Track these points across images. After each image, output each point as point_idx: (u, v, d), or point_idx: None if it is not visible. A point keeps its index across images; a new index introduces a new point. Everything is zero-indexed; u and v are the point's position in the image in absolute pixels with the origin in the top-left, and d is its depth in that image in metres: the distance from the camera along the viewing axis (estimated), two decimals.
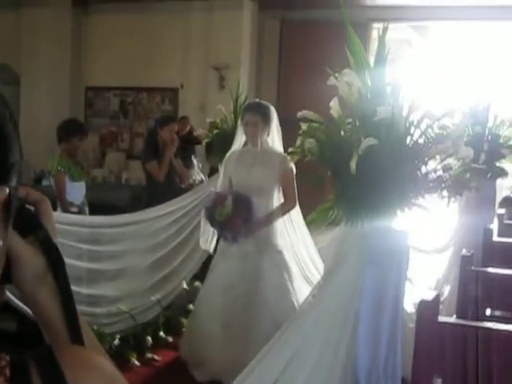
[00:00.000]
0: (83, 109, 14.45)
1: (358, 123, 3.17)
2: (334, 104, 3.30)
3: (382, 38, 3.23)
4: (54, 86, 13.82)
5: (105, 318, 5.67)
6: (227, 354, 5.20)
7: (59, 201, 6.80)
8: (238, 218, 5.10)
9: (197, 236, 6.31)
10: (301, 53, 13.15)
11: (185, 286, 6.73)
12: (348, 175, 3.06)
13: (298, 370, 3.15)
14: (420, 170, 3.14)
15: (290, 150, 3.37)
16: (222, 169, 5.76)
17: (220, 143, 7.75)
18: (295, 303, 5.26)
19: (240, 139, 5.70)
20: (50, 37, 13.65)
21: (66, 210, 6.61)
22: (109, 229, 5.79)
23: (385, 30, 3.25)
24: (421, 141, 3.21)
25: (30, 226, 1.10)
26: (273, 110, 5.55)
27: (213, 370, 5.33)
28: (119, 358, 5.02)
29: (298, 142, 3.31)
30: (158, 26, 13.43)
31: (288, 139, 12.33)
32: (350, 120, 3.24)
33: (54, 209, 6.57)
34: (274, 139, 5.55)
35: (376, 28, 11.85)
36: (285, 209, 5.48)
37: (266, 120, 5.43)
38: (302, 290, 5.39)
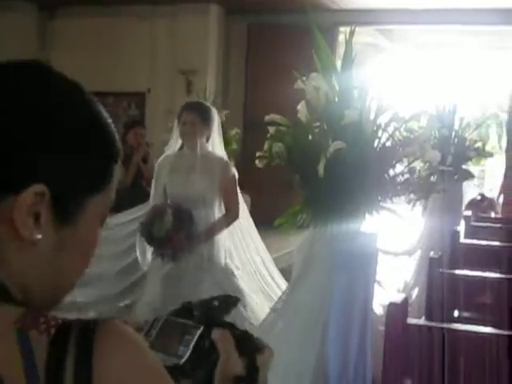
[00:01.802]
0: None
1: (325, 127, 3.18)
2: (301, 108, 3.30)
3: (349, 42, 3.24)
4: None
5: None
6: None
7: None
8: (180, 233, 4.55)
9: None
10: (268, 57, 13.17)
11: None
12: (316, 179, 3.06)
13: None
14: (388, 173, 3.16)
15: (257, 154, 3.36)
16: (154, 178, 5.06)
17: None
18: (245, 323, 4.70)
19: (175, 143, 5.00)
20: (14, 41, 13.51)
21: None
22: None
23: (351, 33, 3.26)
24: (388, 144, 3.23)
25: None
26: (214, 111, 5.02)
27: None
28: None
29: (266, 146, 3.30)
30: (125, 31, 13.37)
31: (255, 143, 12.37)
32: (317, 124, 3.25)
33: None
34: (215, 143, 4.96)
35: (343, 32, 11.91)
36: (228, 220, 4.93)
37: (206, 120, 4.83)
38: (252, 310, 5.08)
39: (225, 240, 4.99)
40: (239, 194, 5.13)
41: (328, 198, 3.12)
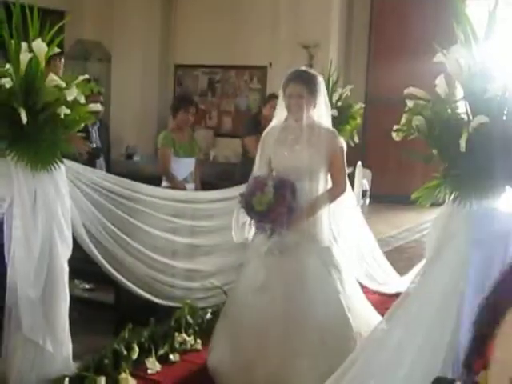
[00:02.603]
0: (172, 86, 14.62)
1: (467, 101, 3.11)
2: (440, 81, 3.24)
3: (492, 12, 3.15)
4: (144, 64, 14.03)
5: (199, 292, 5.73)
6: (263, 366, 4.39)
7: (164, 175, 6.97)
8: (281, 206, 4.31)
9: None
10: (392, 30, 12.97)
11: None
12: (456, 153, 3.01)
13: (401, 356, 3.13)
14: None
15: (395, 127, 3.31)
16: (259, 149, 4.83)
17: None
18: (345, 309, 4.54)
19: (280, 114, 4.74)
20: (141, 15, 13.84)
21: (173, 185, 6.76)
22: (203, 204, 5.82)
23: (496, 3, 3.17)
24: None
25: None
26: (321, 79, 4.67)
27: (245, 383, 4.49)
28: (211, 332, 5.05)
29: (404, 120, 3.26)
30: (247, 4, 13.45)
31: (377, 118, 12.25)
32: (457, 98, 3.18)
33: (158, 184, 6.71)
34: (321, 114, 4.67)
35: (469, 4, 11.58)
36: (333, 194, 4.68)
37: (313, 91, 4.55)
38: (354, 295, 4.78)
39: (330, 217, 4.75)
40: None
41: (468, 173, 3.06)
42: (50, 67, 4.13)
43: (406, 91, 3.25)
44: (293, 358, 4.36)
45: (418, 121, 3.14)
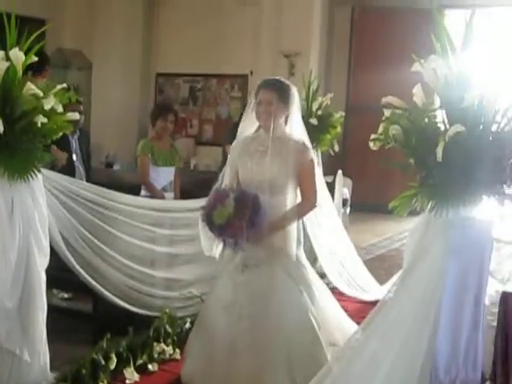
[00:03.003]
0: (153, 95, 14.61)
1: (444, 110, 3.12)
2: (417, 90, 3.25)
3: (469, 23, 3.17)
4: (125, 72, 14.02)
5: (177, 301, 5.70)
6: (236, 380, 4.31)
7: (142, 184, 6.94)
8: (241, 220, 4.10)
9: None
10: (372, 40, 13.06)
11: None
12: (433, 162, 3.02)
13: (377, 365, 3.13)
14: (508, 158, 3.08)
15: (372, 136, 3.32)
16: (228, 160, 4.67)
17: None
18: (314, 326, 4.39)
19: (251, 124, 4.53)
20: (122, 23, 13.84)
21: (152, 194, 6.74)
22: (181, 213, 5.80)
23: (472, 14, 3.19)
24: (507, 129, 3.14)
25: None
26: (294, 90, 4.48)
27: None
28: None
29: (381, 129, 3.27)
30: (229, 13, 13.48)
31: (357, 127, 12.29)
32: (434, 107, 3.19)
33: (137, 192, 6.68)
34: (294, 124, 4.48)
35: (447, 15, 11.69)
36: (302, 209, 4.54)
37: (285, 100, 4.36)
38: (327, 307, 4.69)
39: (298, 230, 4.57)
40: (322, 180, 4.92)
41: (445, 182, 3.07)
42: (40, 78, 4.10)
43: (383, 100, 3.26)
44: (263, 373, 4.27)
45: (394, 130, 3.15)
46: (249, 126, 4.55)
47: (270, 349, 4.28)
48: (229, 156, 4.65)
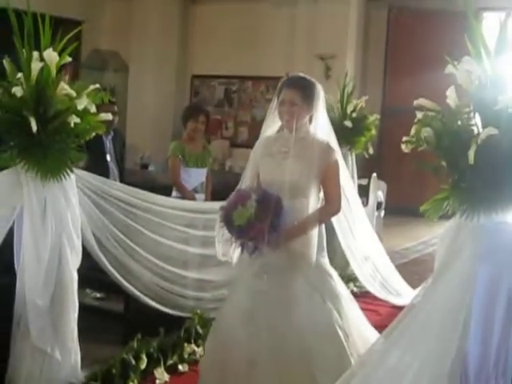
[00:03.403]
0: (189, 96, 14.67)
1: (477, 112, 3.08)
2: (450, 93, 3.21)
3: (504, 26, 3.12)
4: (161, 74, 14.09)
5: (209, 302, 5.70)
6: None
7: (173, 185, 6.98)
8: (262, 222, 3.88)
9: None
10: (408, 42, 12.97)
11: None
12: (465, 165, 2.97)
13: (402, 371, 3.09)
14: None
15: (404, 138, 3.28)
16: (249, 160, 4.46)
17: None
18: (341, 337, 4.09)
19: (273, 124, 4.35)
20: (158, 25, 13.91)
21: (183, 194, 6.76)
22: (214, 214, 5.79)
23: (507, 16, 3.14)
24: None
25: None
26: (319, 88, 4.24)
27: None
28: None
29: (413, 131, 3.23)
30: (264, 15, 13.49)
31: (392, 130, 12.22)
32: (467, 109, 3.15)
33: (169, 193, 6.71)
34: (318, 124, 4.25)
35: (486, 17, 11.60)
36: (326, 213, 4.28)
37: (309, 99, 4.14)
38: (352, 317, 4.34)
39: (321, 236, 4.28)
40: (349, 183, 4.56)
41: (477, 185, 3.03)
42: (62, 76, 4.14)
43: (415, 102, 3.22)
44: None
45: (426, 132, 3.11)
46: (271, 125, 4.37)
47: (292, 361, 4.00)
48: (250, 157, 4.43)
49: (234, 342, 4.12)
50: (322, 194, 4.27)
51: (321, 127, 4.28)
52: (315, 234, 4.20)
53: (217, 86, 14.50)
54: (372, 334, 4.51)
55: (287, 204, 4.01)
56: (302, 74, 4.29)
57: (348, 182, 5.39)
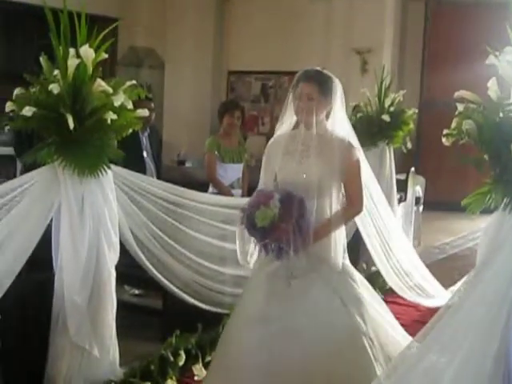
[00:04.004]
0: (225, 93, 14.66)
1: None
2: (492, 84, 3.14)
3: None
4: (197, 70, 14.09)
5: None
6: None
7: (210, 181, 6.99)
8: (287, 223, 3.68)
9: None
10: (447, 34, 12.83)
11: None
12: (507, 158, 2.91)
13: (440, 372, 3.00)
14: None
15: (444, 131, 3.22)
16: (263, 161, 4.20)
17: (364, 127, 7.66)
18: (365, 345, 3.86)
19: (289, 120, 4.10)
20: (194, 22, 13.93)
21: (219, 190, 6.75)
22: None
23: None
24: None
25: None
26: (337, 82, 4.02)
27: None
28: None
29: (454, 124, 3.17)
30: (300, 10, 13.41)
31: (430, 124, 12.08)
32: (509, 101, 3.08)
33: (206, 189, 6.71)
34: (336, 120, 4.05)
35: None
36: (348, 214, 4.09)
37: (326, 93, 3.93)
38: (379, 320, 4.12)
39: (344, 236, 4.11)
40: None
41: None
42: None
43: (456, 94, 3.16)
44: None
45: (468, 125, 3.05)
46: (286, 122, 4.13)
47: (310, 371, 3.74)
48: (264, 156, 4.18)
49: (246, 349, 3.86)
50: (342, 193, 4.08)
51: (339, 123, 4.07)
52: (338, 236, 4.02)
53: (253, 82, 14.47)
54: (404, 338, 4.34)
55: (309, 205, 3.82)
56: (318, 68, 4.07)
57: (371, 179, 5.30)
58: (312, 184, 3.87)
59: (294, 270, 3.82)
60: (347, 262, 4.08)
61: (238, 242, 4.23)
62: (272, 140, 4.20)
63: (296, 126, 4.08)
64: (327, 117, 4.04)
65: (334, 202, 3.98)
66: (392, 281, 6.36)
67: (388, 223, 5.93)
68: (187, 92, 13.93)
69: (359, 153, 4.09)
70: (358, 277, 4.11)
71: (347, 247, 6.12)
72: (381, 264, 6.14)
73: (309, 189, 3.86)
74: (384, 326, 4.20)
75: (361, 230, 5.54)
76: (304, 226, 3.75)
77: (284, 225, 3.68)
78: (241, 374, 3.83)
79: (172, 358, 4.67)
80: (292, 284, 3.82)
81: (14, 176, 6.21)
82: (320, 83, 3.93)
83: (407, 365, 3.14)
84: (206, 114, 14.19)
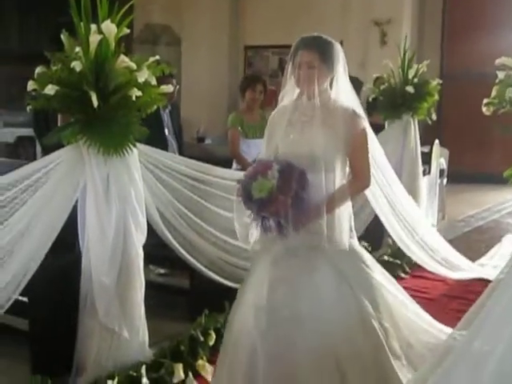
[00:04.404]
0: (242, 68, 14.55)
1: None
2: None
3: None
4: (214, 46, 13.98)
5: None
6: None
7: (233, 157, 6.91)
8: (286, 195, 3.39)
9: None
10: (466, 4, 12.60)
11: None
12: None
13: (485, 357, 2.86)
14: None
15: (485, 100, 3.10)
16: (265, 133, 3.97)
17: (388, 99, 7.55)
18: (375, 327, 3.61)
19: (290, 91, 3.81)
20: None
21: (243, 166, 6.66)
22: None
23: None
24: None
25: None
26: (339, 48, 3.74)
27: None
28: None
29: (494, 92, 3.05)
30: None
31: (451, 95, 11.92)
32: None
33: (229, 166, 6.61)
34: (340, 88, 3.75)
35: None
36: (354, 188, 3.77)
37: (328, 60, 3.64)
38: (392, 304, 3.90)
39: (349, 214, 3.77)
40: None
41: None
42: None
43: (497, 61, 3.04)
44: None
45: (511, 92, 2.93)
46: (288, 93, 3.82)
47: (317, 359, 3.49)
48: (266, 129, 3.94)
49: (250, 337, 3.59)
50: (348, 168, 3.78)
51: (343, 92, 3.77)
52: (343, 213, 3.70)
53: (270, 56, 14.33)
54: (422, 320, 4.27)
55: (311, 179, 3.52)
56: (317, 34, 3.75)
57: (379, 151, 5.06)
58: (316, 157, 3.58)
59: (295, 249, 3.57)
60: (355, 241, 3.78)
61: (235, 217, 3.87)
62: (275, 111, 3.92)
63: (299, 96, 3.78)
64: (330, 85, 3.74)
65: (339, 176, 3.69)
66: (415, 256, 6.21)
67: (401, 199, 5.75)
68: (204, 68, 13.82)
69: (365, 122, 3.77)
70: (367, 257, 3.82)
71: (371, 224, 6.06)
72: (400, 241, 5.96)
73: (312, 161, 3.57)
74: (399, 309, 4.02)
75: (374, 206, 5.35)
76: (304, 199, 3.46)
77: (283, 197, 3.39)
78: (247, 359, 3.58)
79: (202, 338, 4.61)
80: (294, 265, 3.58)
81: (34, 157, 6.13)
82: (321, 50, 3.65)
83: (454, 354, 2.99)
84: (223, 89, 14.09)
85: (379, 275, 3.87)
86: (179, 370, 4.24)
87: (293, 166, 3.48)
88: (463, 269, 6.53)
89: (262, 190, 3.41)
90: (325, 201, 3.56)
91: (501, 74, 3.04)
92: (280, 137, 3.75)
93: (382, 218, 5.59)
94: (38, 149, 5.99)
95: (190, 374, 4.30)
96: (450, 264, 6.42)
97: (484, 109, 3.09)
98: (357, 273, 3.68)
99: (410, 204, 5.99)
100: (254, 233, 3.67)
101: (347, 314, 3.57)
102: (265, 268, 3.68)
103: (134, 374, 4.09)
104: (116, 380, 3.97)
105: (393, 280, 4.13)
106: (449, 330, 4.10)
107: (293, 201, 3.40)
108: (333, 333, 3.51)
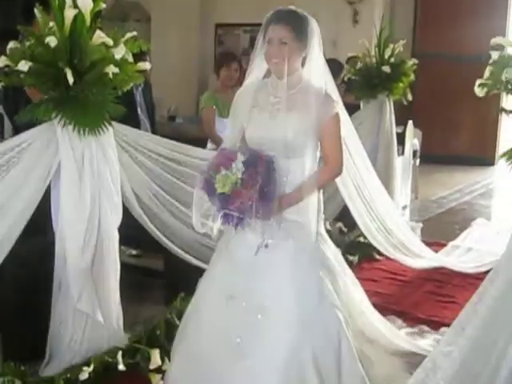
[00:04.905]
0: (213, 46, 14.37)
1: None
2: None
3: None
4: (184, 24, 13.79)
5: None
6: None
7: (208, 136, 6.81)
8: (251, 189, 3.16)
9: None
10: None
11: (328, 227, 6.47)
12: None
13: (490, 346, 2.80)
14: None
15: (478, 81, 3.02)
16: (230, 114, 3.76)
17: (364, 79, 7.48)
18: (341, 320, 3.45)
19: (257, 69, 3.54)
20: None
21: (218, 146, 6.54)
22: None
23: None
24: None
25: None
26: (313, 23, 3.42)
27: None
28: None
29: (487, 73, 2.97)
30: None
31: (424, 76, 11.90)
32: None
33: (203, 145, 6.50)
34: (312, 68, 3.46)
35: None
36: (325, 175, 3.56)
37: (301, 36, 3.36)
38: (352, 296, 3.86)
39: (318, 202, 3.57)
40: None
41: None
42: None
43: (492, 41, 2.95)
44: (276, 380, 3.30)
45: (509, 73, 2.85)
46: (256, 70, 3.55)
47: (285, 348, 3.33)
48: (231, 109, 3.69)
49: (214, 327, 3.48)
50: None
51: (317, 72, 3.48)
52: (313, 200, 3.52)
53: (241, 35, 14.17)
54: (373, 314, 4.26)
55: (281, 164, 3.32)
56: (291, 7, 3.43)
57: (353, 136, 4.93)
58: (284, 142, 3.36)
59: (266, 239, 3.36)
60: (322, 229, 3.60)
61: (193, 208, 3.58)
62: (238, 91, 3.65)
63: (268, 74, 3.53)
64: (302, 64, 3.47)
65: (310, 163, 3.48)
66: (376, 240, 6.10)
67: (368, 182, 5.60)
68: (174, 46, 13.62)
69: (338, 106, 3.52)
70: (331, 246, 3.66)
71: (346, 206, 5.99)
72: (366, 229, 5.93)
73: (282, 146, 3.36)
74: (355, 301, 3.96)
75: (341, 190, 5.29)
76: (271, 191, 3.23)
77: (248, 191, 3.17)
78: (212, 355, 3.44)
79: (178, 322, 4.50)
80: (260, 255, 3.37)
81: (2, 135, 5.96)
82: (294, 25, 3.36)
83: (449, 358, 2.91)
84: (194, 68, 13.93)
85: (342, 270, 3.77)
86: (156, 356, 4.14)
87: (259, 156, 3.25)
88: (425, 257, 6.43)
89: (225, 185, 3.20)
90: (295, 189, 3.40)
91: (494, 55, 2.96)
92: (246, 118, 3.52)
93: (349, 204, 5.55)
94: (7, 126, 5.81)
95: (167, 360, 4.20)
96: (412, 253, 6.34)
97: (477, 90, 3.01)
98: (322, 260, 3.52)
99: (380, 192, 5.87)
100: (215, 224, 3.46)
101: (319, 300, 3.42)
102: (227, 259, 3.54)
103: (110, 359, 3.99)
104: (92, 367, 3.87)
105: (353, 276, 4.04)
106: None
107: (259, 193, 3.18)
108: (304, 320, 3.36)
